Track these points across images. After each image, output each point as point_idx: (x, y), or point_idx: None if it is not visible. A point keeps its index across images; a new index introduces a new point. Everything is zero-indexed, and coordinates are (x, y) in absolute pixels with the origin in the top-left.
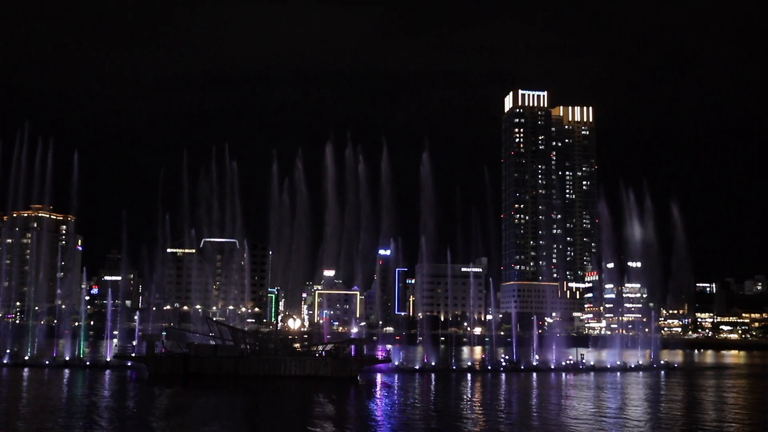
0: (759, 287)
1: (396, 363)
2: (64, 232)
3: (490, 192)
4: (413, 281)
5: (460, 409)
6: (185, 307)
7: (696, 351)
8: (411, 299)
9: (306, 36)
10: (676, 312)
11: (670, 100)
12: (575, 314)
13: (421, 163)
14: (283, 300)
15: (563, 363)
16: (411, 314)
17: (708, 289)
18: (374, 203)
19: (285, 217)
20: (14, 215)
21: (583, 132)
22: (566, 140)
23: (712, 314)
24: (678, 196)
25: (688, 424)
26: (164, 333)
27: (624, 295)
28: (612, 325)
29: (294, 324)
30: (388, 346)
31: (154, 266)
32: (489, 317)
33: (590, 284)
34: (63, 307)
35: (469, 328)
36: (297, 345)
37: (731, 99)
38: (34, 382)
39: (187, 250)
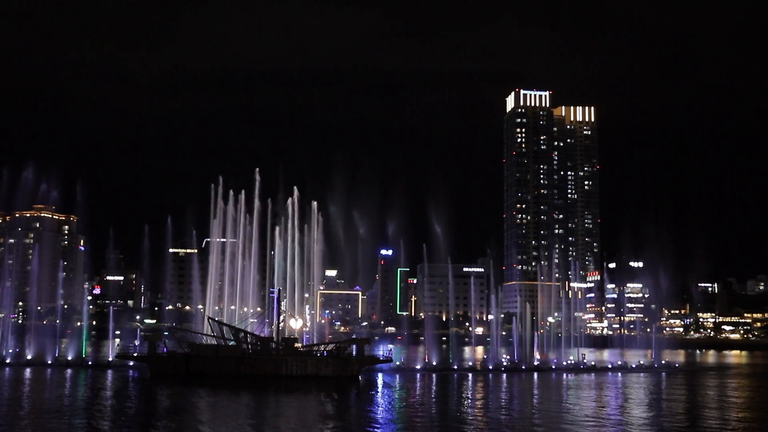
0: (761, 287)
1: (397, 363)
2: (66, 232)
3: (491, 192)
4: (415, 281)
5: (461, 409)
6: (187, 307)
7: (698, 351)
8: (413, 299)
9: (307, 36)
10: (677, 312)
11: (672, 99)
12: (576, 314)
13: (424, 165)
14: (285, 300)
15: (564, 363)
16: (413, 314)
17: (710, 288)
18: (377, 205)
19: (289, 219)
20: (17, 215)
21: (585, 132)
22: (568, 140)
23: (713, 314)
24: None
25: (689, 424)
26: (166, 333)
27: (626, 295)
28: (614, 325)
29: (296, 324)
30: (390, 346)
31: (155, 266)
32: (491, 317)
33: (592, 284)
34: (65, 307)
35: (471, 328)
36: (298, 345)
37: (732, 99)
38: (36, 382)
39: (188, 250)
